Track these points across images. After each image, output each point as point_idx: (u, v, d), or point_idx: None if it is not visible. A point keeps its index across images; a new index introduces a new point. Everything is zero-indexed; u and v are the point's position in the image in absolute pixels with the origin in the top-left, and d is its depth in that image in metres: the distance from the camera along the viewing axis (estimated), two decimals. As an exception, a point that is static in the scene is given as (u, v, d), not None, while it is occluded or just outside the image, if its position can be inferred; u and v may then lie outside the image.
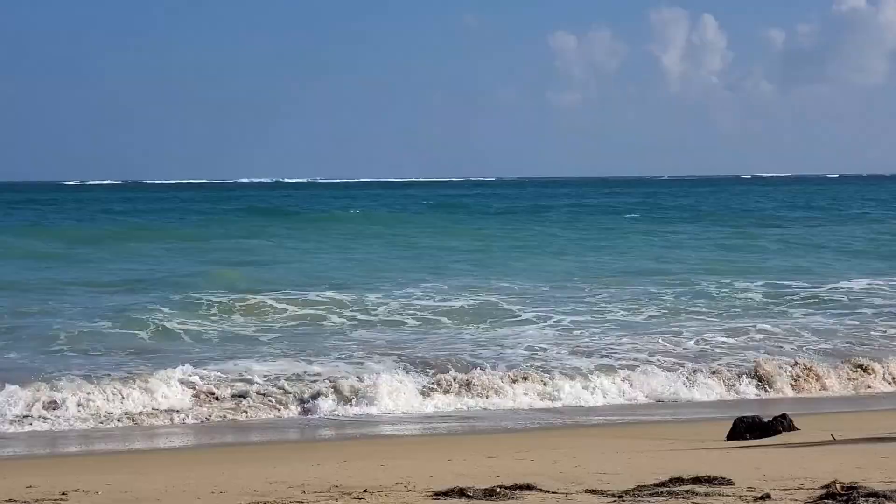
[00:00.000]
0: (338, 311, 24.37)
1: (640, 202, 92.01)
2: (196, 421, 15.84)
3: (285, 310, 24.36)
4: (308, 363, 18.55)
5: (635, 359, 19.48)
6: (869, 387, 18.86)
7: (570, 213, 73.68)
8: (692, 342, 21.19)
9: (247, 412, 16.22)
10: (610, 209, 78.36)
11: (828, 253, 41.26)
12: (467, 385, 17.53)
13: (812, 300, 26.82)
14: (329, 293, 26.38)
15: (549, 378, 18.11)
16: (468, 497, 8.52)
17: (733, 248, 43.12)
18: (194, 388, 16.73)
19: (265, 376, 17.48)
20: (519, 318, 23.92)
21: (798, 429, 13.86)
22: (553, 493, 8.78)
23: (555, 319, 23.64)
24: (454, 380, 17.62)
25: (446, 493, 8.67)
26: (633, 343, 20.80)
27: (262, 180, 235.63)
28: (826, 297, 27.17)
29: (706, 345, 21.10)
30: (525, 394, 17.60)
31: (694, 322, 23.75)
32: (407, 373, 17.95)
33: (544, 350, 20.23)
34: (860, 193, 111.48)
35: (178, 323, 22.55)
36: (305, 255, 39.04)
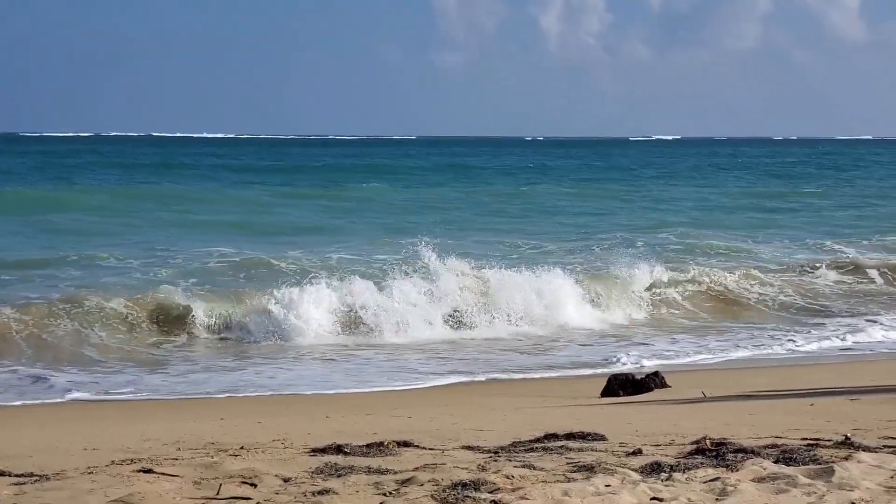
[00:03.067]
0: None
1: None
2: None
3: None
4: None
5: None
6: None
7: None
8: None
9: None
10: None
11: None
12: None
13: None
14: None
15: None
16: (345, 453, 8.53)
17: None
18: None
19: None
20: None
21: (670, 386, 14.15)
22: (430, 449, 8.83)
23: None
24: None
25: (323, 450, 8.66)
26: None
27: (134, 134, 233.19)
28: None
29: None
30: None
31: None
32: None
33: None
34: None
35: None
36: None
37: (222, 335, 19.31)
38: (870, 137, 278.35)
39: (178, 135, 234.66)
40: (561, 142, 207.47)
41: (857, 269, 26.85)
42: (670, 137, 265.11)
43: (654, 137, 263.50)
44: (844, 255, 28.98)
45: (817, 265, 26.84)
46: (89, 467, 8.07)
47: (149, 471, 7.79)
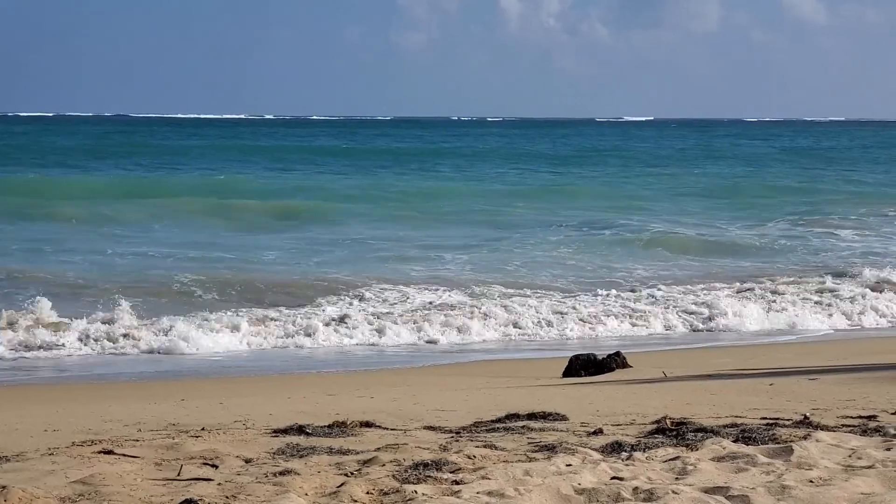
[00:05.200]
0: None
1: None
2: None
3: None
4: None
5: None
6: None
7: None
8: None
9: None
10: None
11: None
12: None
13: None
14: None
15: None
16: (307, 434, 8.52)
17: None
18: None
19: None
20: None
21: (631, 366, 14.22)
22: (392, 429, 8.84)
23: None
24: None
25: (285, 431, 8.65)
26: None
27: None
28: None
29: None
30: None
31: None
32: None
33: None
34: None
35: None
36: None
37: None
38: (843, 119, 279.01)
39: (153, 115, 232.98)
40: (532, 123, 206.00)
41: None
42: (642, 119, 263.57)
43: (625, 119, 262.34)
44: None
45: None
46: (49, 448, 8.03)
47: (109, 452, 7.76)
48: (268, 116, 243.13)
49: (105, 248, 26.16)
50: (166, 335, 16.79)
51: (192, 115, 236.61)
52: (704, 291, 21.66)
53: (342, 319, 18.33)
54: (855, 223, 34.45)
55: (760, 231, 32.41)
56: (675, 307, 20.16)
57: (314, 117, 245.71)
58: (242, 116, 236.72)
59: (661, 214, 36.47)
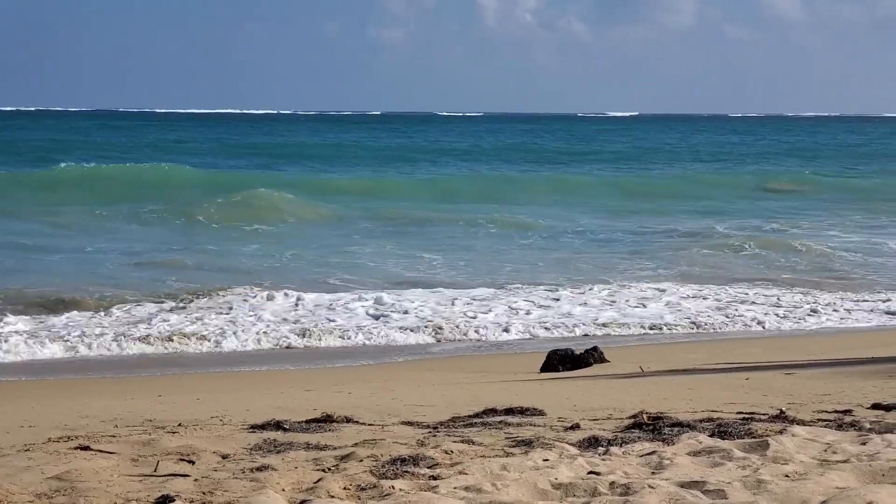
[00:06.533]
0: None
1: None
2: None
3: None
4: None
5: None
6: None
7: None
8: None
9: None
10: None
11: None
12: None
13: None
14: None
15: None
16: (285, 430, 8.51)
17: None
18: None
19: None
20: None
21: (608, 361, 14.26)
22: (370, 424, 8.85)
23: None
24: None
25: (262, 426, 8.64)
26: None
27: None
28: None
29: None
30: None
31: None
32: None
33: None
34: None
35: None
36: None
37: None
38: (826, 114, 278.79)
39: (134, 110, 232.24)
40: (514, 118, 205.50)
41: None
42: (626, 114, 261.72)
43: (608, 114, 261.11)
44: None
45: None
46: (26, 445, 8.00)
47: (86, 448, 7.74)
48: (249, 112, 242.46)
49: (83, 246, 26.14)
50: (139, 333, 16.78)
51: (172, 110, 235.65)
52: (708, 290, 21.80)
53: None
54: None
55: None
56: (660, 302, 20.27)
57: (299, 112, 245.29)
58: (228, 111, 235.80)
59: (658, 214, 36.80)
